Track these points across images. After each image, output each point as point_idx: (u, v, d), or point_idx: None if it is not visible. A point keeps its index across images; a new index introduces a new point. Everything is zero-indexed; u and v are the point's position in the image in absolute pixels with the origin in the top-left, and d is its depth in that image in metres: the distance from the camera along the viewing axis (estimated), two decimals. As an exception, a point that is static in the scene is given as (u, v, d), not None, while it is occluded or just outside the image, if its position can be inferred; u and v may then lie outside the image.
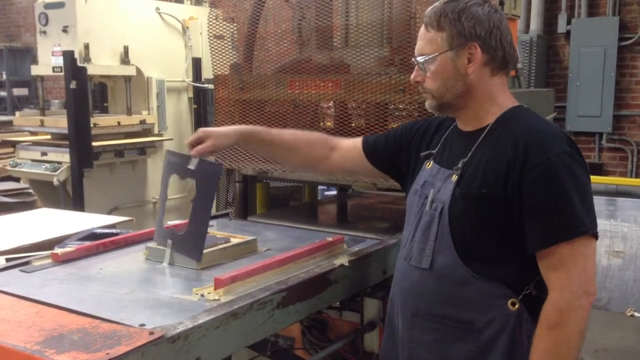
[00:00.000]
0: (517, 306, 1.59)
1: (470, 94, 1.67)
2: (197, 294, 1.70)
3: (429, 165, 1.79)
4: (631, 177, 6.33)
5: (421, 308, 1.71)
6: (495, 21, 1.62)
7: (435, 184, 1.72)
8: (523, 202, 1.56)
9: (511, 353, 1.59)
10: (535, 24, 6.50)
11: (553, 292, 1.54)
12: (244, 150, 2.56)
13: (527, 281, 1.60)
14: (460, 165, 1.66)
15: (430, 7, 1.68)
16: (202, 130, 2.02)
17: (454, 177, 1.67)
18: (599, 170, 6.47)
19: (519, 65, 2.86)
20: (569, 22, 6.46)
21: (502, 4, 2.52)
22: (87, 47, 5.09)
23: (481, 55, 1.62)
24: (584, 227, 1.52)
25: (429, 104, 1.73)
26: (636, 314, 5.18)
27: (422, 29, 1.69)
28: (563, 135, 1.60)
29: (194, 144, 1.97)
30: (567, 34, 6.50)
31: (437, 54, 1.65)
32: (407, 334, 1.75)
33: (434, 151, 1.80)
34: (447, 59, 1.64)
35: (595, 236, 1.57)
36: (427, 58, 1.67)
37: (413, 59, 1.72)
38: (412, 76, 1.74)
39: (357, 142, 2.06)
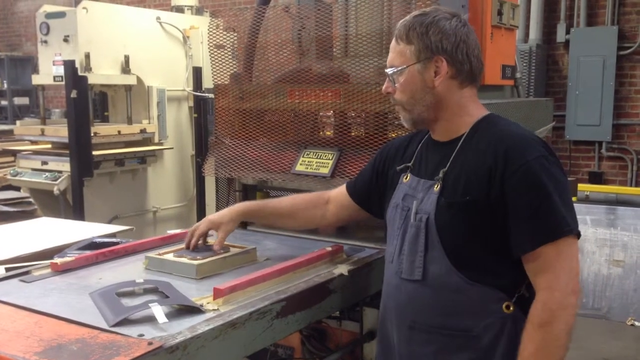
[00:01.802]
0: (512, 309, 1.61)
1: (440, 105, 1.71)
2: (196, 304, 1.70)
3: (407, 178, 1.81)
4: (631, 186, 6.33)
5: (418, 320, 1.71)
6: (462, 35, 1.67)
7: (417, 195, 1.74)
8: (507, 207, 1.59)
9: (511, 355, 1.60)
10: (534, 34, 6.52)
11: (542, 292, 1.57)
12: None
13: (519, 283, 1.62)
14: (440, 175, 1.69)
15: (401, 21, 1.74)
16: (210, 221, 2.14)
17: (437, 187, 1.69)
18: (599, 179, 6.47)
19: (518, 75, 2.87)
20: (568, 32, 6.48)
21: (500, 14, 2.53)
22: (88, 56, 5.12)
23: (447, 68, 1.67)
24: (567, 227, 1.56)
25: (403, 117, 1.78)
26: (637, 323, 5.16)
27: (393, 42, 1.75)
28: (537, 139, 1.66)
29: (202, 235, 2.12)
30: (566, 43, 6.52)
31: (405, 66, 1.70)
32: (406, 349, 1.75)
33: (409, 164, 1.83)
34: (415, 71, 1.69)
35: (577, 235, 1.59)
36: (396, 70, 1.72)
37: (385, 71, 1.77)
38: (383, 87, 1.79)
39: (343, 187, 2.12)
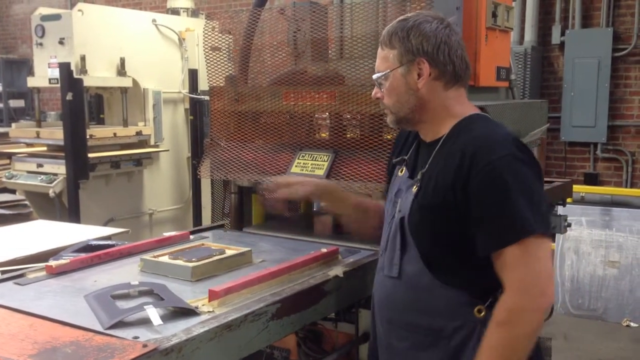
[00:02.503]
0: (483, 313, 1.61)
1: (424, 107, 1.73)
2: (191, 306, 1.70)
3: (402, 171, 1.83)
4: (626, 187, 6.35)
5: (395, 316, 1.75)
6: (443, 37, 1.68)
7: (403, 192, 1.77)
8: (471, 208, 1.58)
9: None
10: (529, 35, 6.54)
11: (505, 292, 1.56)
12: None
13: (493, 288, 1.61)
14: (419, 176, 1.72)
15: (386, 27, 1.76)
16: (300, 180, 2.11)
17: (415, 188, 1.71)
18: (594, 180, 6.49)
19: (513, 77, 2.88)
20: (563, 34, 6.50)
21: (494, 16, 2.54)
22: (83, 58, 5.11)
23: (430, 69, 1.68)
24: (530, 227, 1.53)
25: (389, 119, 1.81)
26: (632, 324, 5.18)
27: (379, 48, 1.78)
28: (510, 138, 1.63)
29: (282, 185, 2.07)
30: (561, 45, 6.54)
31: (389, 70, 1.73)
32: (386, 342, 1.80)
33: (405, 157, 1.85)
34: (399, 75, 1.72)
35: (547, 235, 1.57)
36: (380, 75, 1.75)
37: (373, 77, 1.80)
38: (372, 93, 1.82)
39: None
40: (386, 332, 1.80)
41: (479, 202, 1.57)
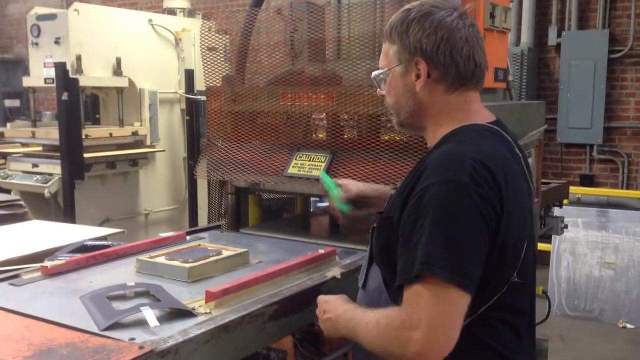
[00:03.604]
0: None
1: (422, 112, 1.55)
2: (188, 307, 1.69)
3: None
4: (622, 188, 6.37)
5: None
6: (445, 34, 1.47)
7: None
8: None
9: None
10: (526, 37, 6.55)
11: (400, 310, 1.36)
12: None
13: None
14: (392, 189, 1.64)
15: (392, 16, 1.58)
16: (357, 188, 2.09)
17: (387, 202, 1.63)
18: (590, 181, 6.51)
19: (510, 78, 2.87)
20: (559, 35, 6.51)
21: (492, 17, 2.54)
22: (79, 58, 5.09)
23: (428, 71, 1.49)
24: (433, 267, 1.30)
25: (394, 122, 1.66)
26: (628, 325, 5.19)
27: (383, 41, 1.61)
28: (469, 162, 1.36)
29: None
30: (558, 46, 6.55)
31: (387, 69, 1.57)
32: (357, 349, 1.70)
33: None
34: (397, 74, 1.55)
35: (456, 284, 1.30)
36: (379, 73, 1.60)
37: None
38: (377, 90, 1.66)
39: None
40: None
41: (402, 229, 1.40)
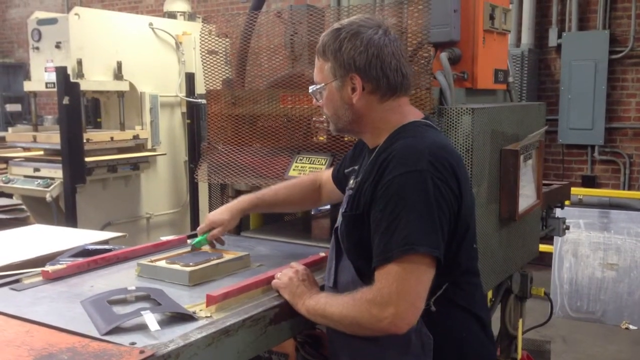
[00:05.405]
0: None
1: (360, 120, 1.72)
2: (189, 311, 1.68)
3: (352, 182, 1.82)
4: (624, 189, 6.36)
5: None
6: (375, 51, 1.64)
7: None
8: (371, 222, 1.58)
9: None
10: (526, 38, 6.56)
11: (373, 288, 1.53)
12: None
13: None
14: (352, 185, 1.75)
15: (322, 35, 1.73)
16: (211, 221, 2.20)
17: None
18: (592, 182, 6.50)
19: (510, 79, 2.87)
20: (559, 36, 6.52)
21: (492, 18, 2.54)
22: (80, 62, 5.11)
23: (363, 84, 1.66)
24: (414, 245, 1.48)
25: (331, 127, 1.82)
26: (631, 326, 5.18)
27: (316, 57, 1.75)
28: (426, 152, 1.56)
29: (206, 230, 2.19)
30: (558, 47, 6.55)
31: (324, 84, 1.72)
32: (332, 350, 1.86)
33: (356, 167, 1.85)
34: (334, 89, 1.70)
35: (433, 256, 1.51)
36: (316, 87, 1.75)
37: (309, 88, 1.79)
38: (313, 101, 1.81)
39: (330, 172, 2.18)
40: (331, 339, 1.84)
41: (374, 215, 1.56)
